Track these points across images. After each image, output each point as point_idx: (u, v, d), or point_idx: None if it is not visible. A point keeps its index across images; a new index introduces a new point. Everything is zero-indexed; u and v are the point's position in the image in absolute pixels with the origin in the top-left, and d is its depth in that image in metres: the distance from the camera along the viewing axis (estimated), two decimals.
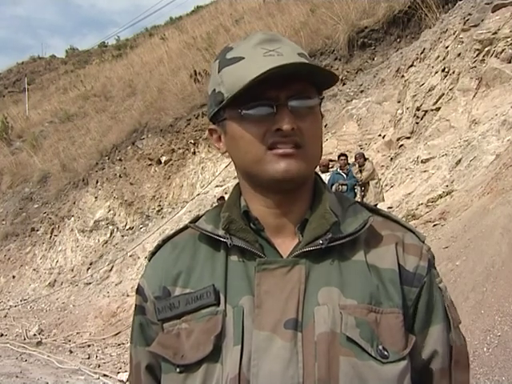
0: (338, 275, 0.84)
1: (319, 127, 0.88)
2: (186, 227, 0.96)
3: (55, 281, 14.46)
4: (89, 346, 9.76)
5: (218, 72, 0.86)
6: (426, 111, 9.47)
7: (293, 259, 0.84)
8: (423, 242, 0.92)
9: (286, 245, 0.87)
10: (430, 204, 7.30)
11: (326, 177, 8.46)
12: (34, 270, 15.36)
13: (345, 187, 8.19)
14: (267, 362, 0.79)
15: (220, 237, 0.87)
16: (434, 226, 6.35)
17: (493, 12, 8.80)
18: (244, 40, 0.87)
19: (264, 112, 0.82)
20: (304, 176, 0.85)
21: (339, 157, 8.62)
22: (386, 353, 0.81)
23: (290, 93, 0.82)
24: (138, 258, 12.49)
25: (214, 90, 0.86)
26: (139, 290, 0.94)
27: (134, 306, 0.97)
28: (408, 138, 9.72)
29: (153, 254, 0.97)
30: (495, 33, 8.56)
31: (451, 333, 0.90)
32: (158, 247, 0.97)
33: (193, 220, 0.96)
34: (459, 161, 7.81)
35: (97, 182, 15.71)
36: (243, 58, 0.83)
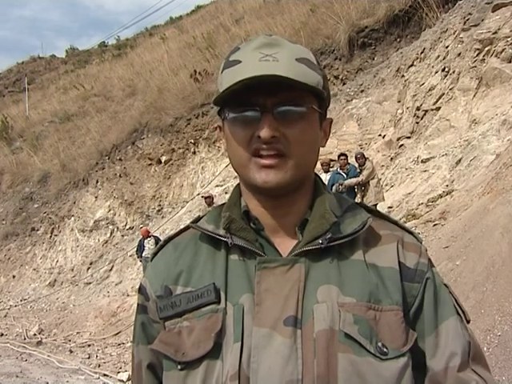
0: (337, 274, 0.85)
1: (312, 134, 0.87)
2: (187, 227, 0.98)
3: (55, 280, 14.47)
4: (89, 345, 9.77)
5: (221, 72, 0.88)
6: (426, 111, 9.46)
7: (293, 258, 0.85)
8: (421, 243, 0.94)
9: (286, 244, 0.88)
10: (430, 204, 7.30)
11: (326, 177, 8.46)
12: (34, 269, 15.36)
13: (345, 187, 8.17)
14: (267, 358, 0.79)
15: (221, 236, 0.88)
16: (434, 225, 6.34)
17: (493, 12, 8.80)
18: (248, 42, 0.89)
19: (248, 117, 0.83)
20: (287, 185, 0.85)
21: (339, 157, 8.60)
22: (385, 349, 0.81)
23: (278, 100, 0.82)
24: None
25: (218, 89, 0.89)
26: (141, 290, 0.96)
27: (134, 305, 0.98)
28: (408, 137, 9.71)
29: (155, 254, 0.98)
30: (495, 32, 8.56)
31: (465, 327, 0.88)
32: (160, 247, 0.98)
33: (194, 220, 0.98)
34: (459, 160, 7.81)
35: (97, 182, 15.72)
36: (240, 62, 0.84)
